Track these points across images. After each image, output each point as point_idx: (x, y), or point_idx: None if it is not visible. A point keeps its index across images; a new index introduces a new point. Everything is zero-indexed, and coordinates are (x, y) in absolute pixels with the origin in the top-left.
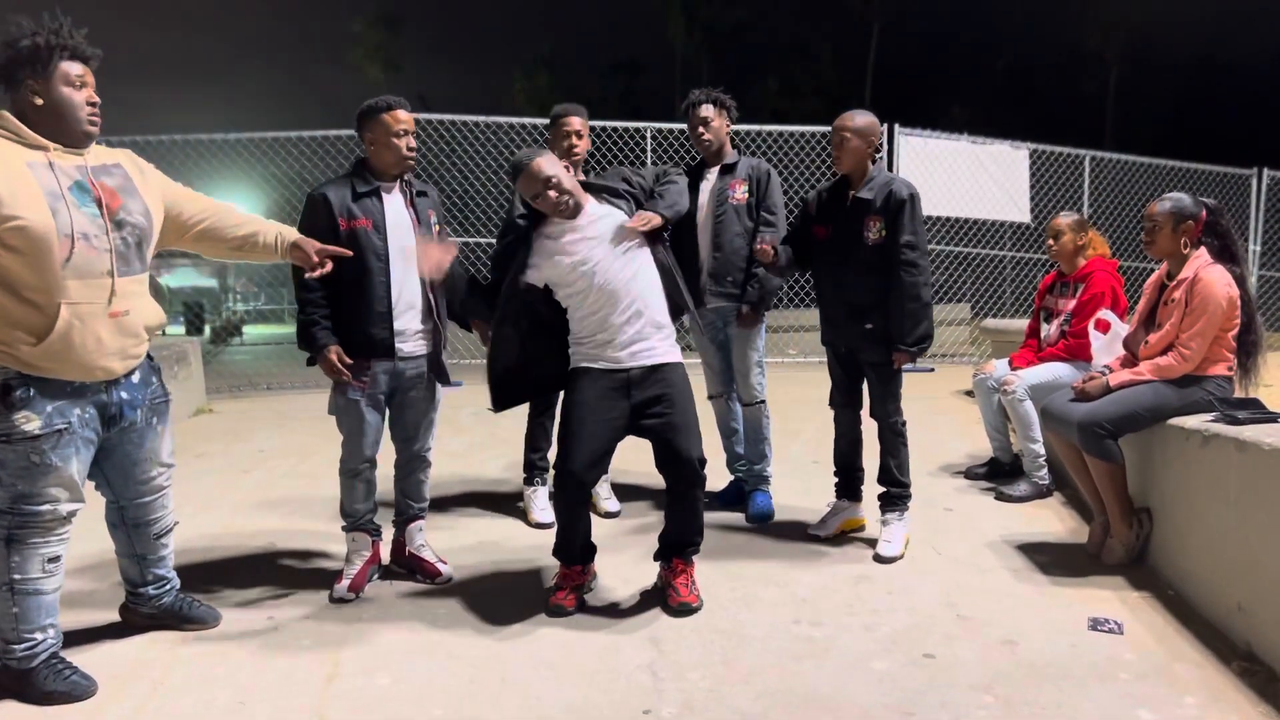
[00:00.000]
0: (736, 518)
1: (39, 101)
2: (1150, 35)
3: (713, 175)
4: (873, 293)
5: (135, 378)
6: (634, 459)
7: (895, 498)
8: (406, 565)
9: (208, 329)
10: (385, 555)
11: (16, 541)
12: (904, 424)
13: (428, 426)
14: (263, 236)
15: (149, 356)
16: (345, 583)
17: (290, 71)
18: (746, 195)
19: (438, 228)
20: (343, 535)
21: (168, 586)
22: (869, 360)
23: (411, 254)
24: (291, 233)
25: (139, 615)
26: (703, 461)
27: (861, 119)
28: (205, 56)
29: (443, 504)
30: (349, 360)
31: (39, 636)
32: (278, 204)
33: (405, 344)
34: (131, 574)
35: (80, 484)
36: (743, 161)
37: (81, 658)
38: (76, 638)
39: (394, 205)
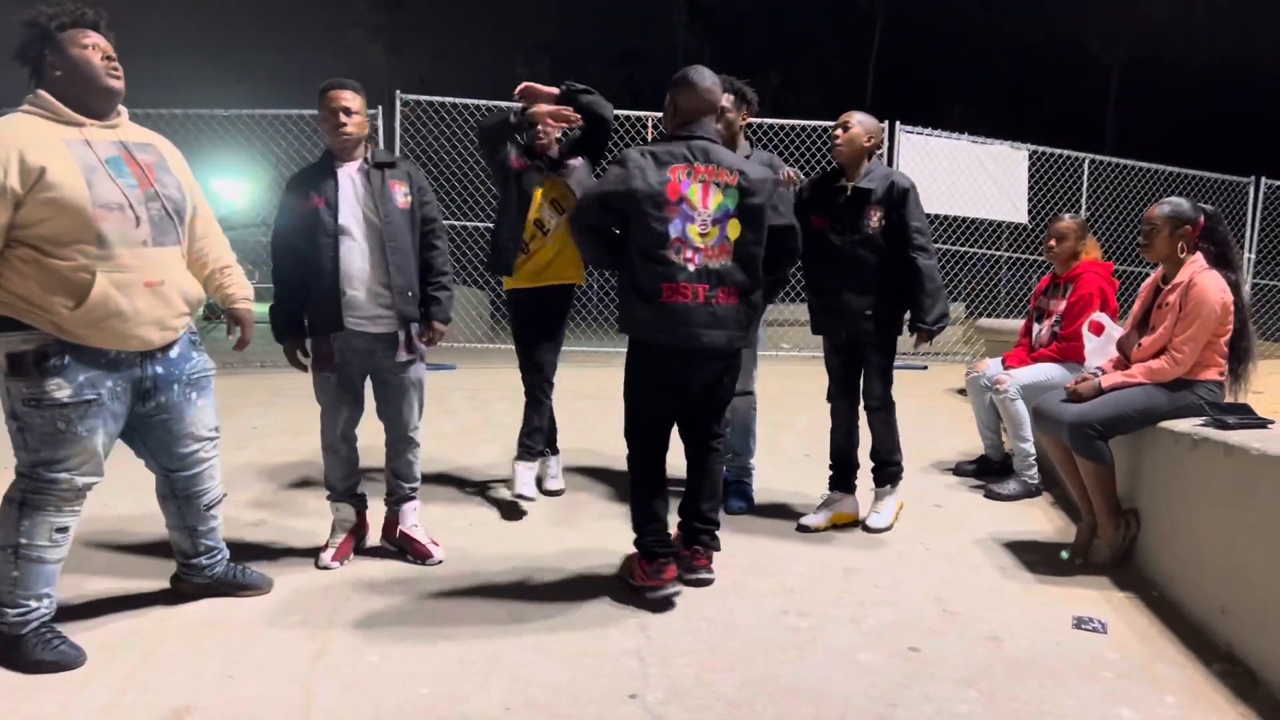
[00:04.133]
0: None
1: (59, 73)
2: (1153, 40)
3: None
4: (871, 280)
5: (173, 352)
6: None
7: (888, 474)
8: (397, 544)
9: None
10: (375, 530)
11: (29, 507)
12: (893, 408)
13: (409, 407)
14: (233, 279)
15: (191, 333)
16: (329, 553)
17: (288, 50)
18: None
19: (408, 198)
20: (329, 509)
21: (219, 556)
22: (870, 344)
23: (365, 229)
24: (241, 303)
25: (191, 585)
26: None
27: (867, 115)
28: (202, 33)
29: (435, 485)
30: (306, 353)
31: (33, 604)
32: (276, 182)
33: (357, 319)
34: (184, 546)
35: (102, 458)
36: (755, 155)
37: (71, 628)
38: (67, 608)
39: (348, 182)
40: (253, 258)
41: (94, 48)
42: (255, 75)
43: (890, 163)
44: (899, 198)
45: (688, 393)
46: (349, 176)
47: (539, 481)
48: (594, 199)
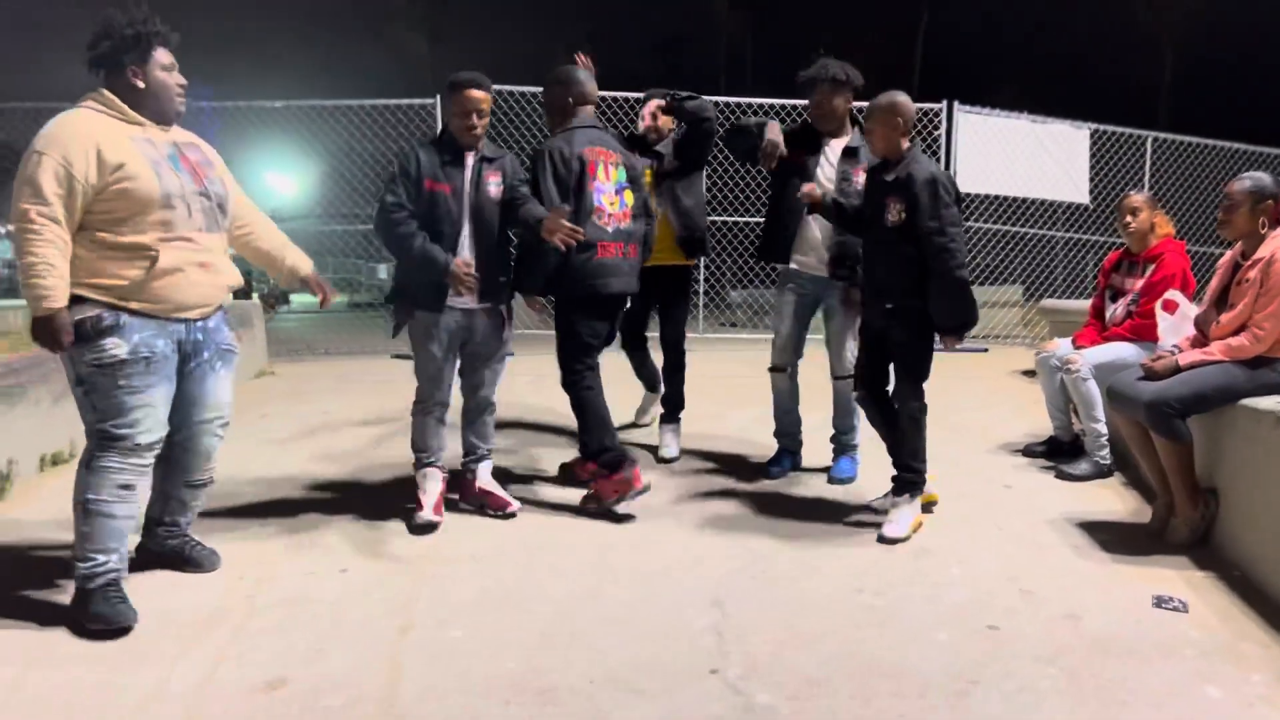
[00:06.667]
0: (790, 490)
1: (140, 85)
2: (1207, 14)
3: (833, 151)
4: (892, 273)
5: (211, 323)
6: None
7: (907, 481)
8: (475, 501)
9: (255, 296)
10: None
11: (95, 464)
12: (922, 410)
13: (493, 376)
14: (284, 258)
15: (223, 309)
16: (427, 510)
17: (331, 44)
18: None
19: (500, 189)
20: (408, 491)
21: (177, 531)
22: (892, 340)
23: (472, 217)
24: (306, 267)
25: (147, 552)
26: None
27: (886, 99)
28: (244, 27)
29: (512, 463)
30: (471, 269)
31: (100, 558)
32: (327, 175)
33: (459, 298)
34: (154, 510)
35: (163, 415)
36: (865, 146)
37: (163, 604)
38: (156, 588)
39: (470, 172)
40: (303, 249)
41: (174, 71)
42: (297, 69)
43: (948, 144)
44: (914, 191)
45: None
46: (471, 167)
47: (656, 451)
48: None
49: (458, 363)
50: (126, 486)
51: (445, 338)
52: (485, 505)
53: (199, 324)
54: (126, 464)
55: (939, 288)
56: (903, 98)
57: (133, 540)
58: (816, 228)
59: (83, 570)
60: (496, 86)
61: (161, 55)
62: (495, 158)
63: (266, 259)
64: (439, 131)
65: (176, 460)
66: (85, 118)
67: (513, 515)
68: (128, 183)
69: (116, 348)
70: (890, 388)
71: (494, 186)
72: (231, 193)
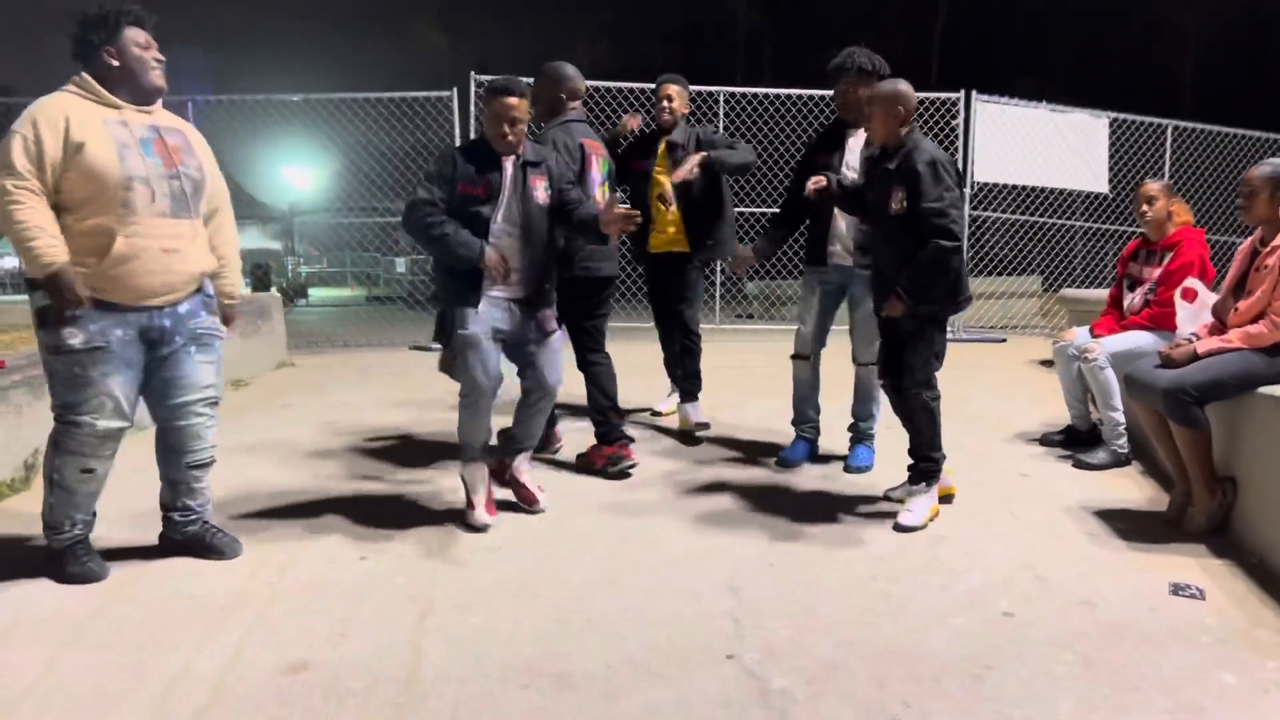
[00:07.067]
0: (807, 477)
1: (115, 64)
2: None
3: (856, 141)
4: (896, 262)
5: (183, 308)
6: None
7: (923, 470)
8: (509, 484)
9: (274, 289)
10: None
11: (61, 448)
12: (935, 399)
13: (550, 357)
14: (223, 273)
15: (206, 294)
16: (480, 509)
17: (350, 38)
18: None
19: (547, 194)
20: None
21: (194, 516)
22: (902, 330)
23: (513, 221)
24: (232, 299)
25: (170, 540)
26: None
27: (889, 87)
28: (264, 21)
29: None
30: (505, 258)
31: (66, 524)
32: (342, 170)
33: (500, 295)
34: (165, 498)
35: (124, 403)
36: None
37: (189, 590)
38: (184, 573)
39: (511, 179)
40: (320, 243)
41: (149, 47)
42: (316, 63)
43: (967, 134)
44: (912, 176)
45: None
46: (507, 170)
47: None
48: None
49: (501, 355)
50: (87, 470)
51: (488, 328)
52: (514, 493)
53: (167, 310)
54: (86, 449)
55: (923, 259)
56: (905, 87)
57: (145, 531)
58: (841, 218)
59: (51, 534)
60: (528, 80)
61: (134, 34)
62: (539, 160)
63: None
64: (476, 134)
65: (170, 444)
66: (60, 99)
67: (540, 512)
68: (87, 163)
69: (72, 337)
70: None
71: (541, 192)
72: (210, 185)
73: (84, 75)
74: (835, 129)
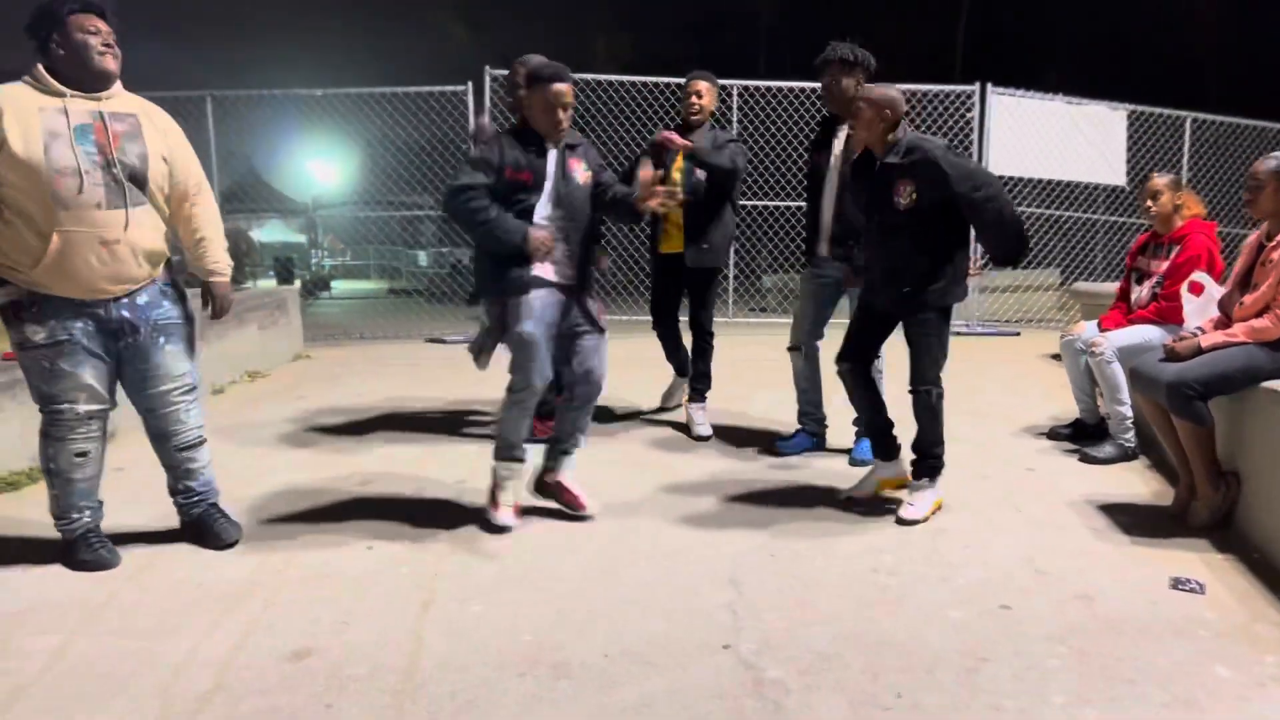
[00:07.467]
0: (811, 471)
1: (61, 52)
2: None
3: (844, 133)
4: (905, 256)
5: (141, 299)
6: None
7: (928, 466)
8: (549, 493)
9: (298, 282)
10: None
11: (50, 437)
12: (939, 396)
13: (596, 346)
14: (204, 252)
15: (171, 283)
16: (505, 511)
17: (372, 31)
18: None
19: (587, 175)
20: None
21: (197, 498)
22: (907, 324)
23: (556, 206)
24: (218, 276)
25: (186, 526)
26: None
27: (881, 92)
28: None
29: None
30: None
31: (74, 515)
32: (365, 164)
33: (548, 275)
34: (169, 483)
35: (99, 388)
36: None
37: (196, 577)
38: (192, 560)
39: (554, 164)
40: (344, 236)
41: (96, 33)
42: (337, 57)
43: (981, 127)
44: (929, 170)
45: None
46: (551, 155)
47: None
48: None
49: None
50: (81, 454)
51: (537, 314)
52: (558, 500)
53: (124, 301)
54: (76, 433)
55: (994, 226)
56: (897, 94)
57: (157, 520)
58: (828, 214)
59: (61, 525)
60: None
61: (80, 19)
62: (577, 144)
63: (195, 247)
64: (518, 121)
65: (155, 431)
66: (8, 89)
67: (588, 518)
68: (11, 154)
69: (35, 333)
70: (879, 364)
71: (581, 173)
72: (180, 167)
73: (36, 65)
74: (826, 126)
